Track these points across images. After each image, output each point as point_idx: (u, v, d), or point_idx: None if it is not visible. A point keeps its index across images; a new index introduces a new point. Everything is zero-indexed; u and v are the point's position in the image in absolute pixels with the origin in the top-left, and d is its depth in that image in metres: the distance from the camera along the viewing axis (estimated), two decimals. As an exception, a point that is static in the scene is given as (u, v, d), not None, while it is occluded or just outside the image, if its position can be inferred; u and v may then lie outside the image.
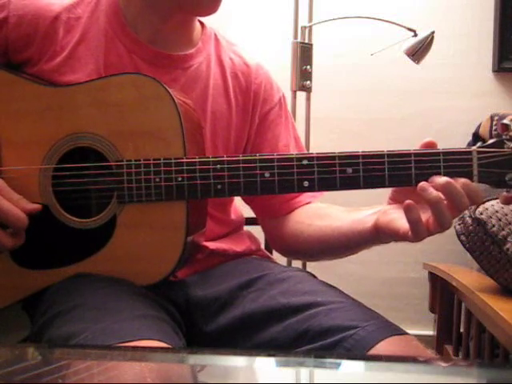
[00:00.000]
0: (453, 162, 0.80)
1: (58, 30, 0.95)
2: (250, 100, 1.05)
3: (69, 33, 0.96)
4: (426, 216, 0.79)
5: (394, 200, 0.86)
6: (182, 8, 0.97)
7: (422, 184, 0.79)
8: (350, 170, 0.83)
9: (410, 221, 0.78)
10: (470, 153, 0.80)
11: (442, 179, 0.78)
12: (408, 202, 0.78)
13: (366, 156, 0.82)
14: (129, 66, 0.96)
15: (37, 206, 0.89)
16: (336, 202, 1.02)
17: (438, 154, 0.81)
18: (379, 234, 0.86)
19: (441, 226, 0.78)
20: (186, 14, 1.00)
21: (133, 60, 0.97)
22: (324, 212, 1.02)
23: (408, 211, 0.78)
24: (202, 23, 1.07)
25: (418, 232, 0.78)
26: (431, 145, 0.82)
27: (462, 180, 0.79)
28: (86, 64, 0.95)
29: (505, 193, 0.81)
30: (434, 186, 0.78)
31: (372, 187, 0.83)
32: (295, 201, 1.05)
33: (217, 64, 1.04)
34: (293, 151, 1.07)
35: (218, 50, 1.06)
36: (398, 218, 0.81)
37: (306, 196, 1.05)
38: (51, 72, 0.94)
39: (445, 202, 0.78)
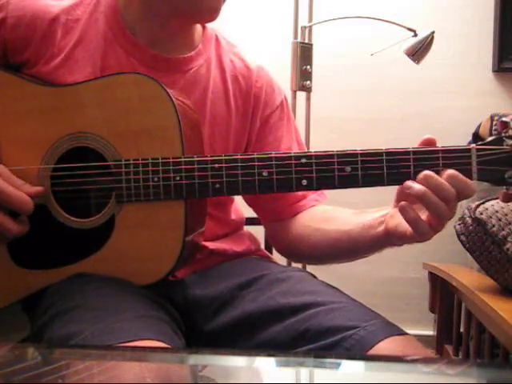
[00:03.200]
0: (452, 160, 0.80)
1: (56, 31, 0.95)
2: (251, 104, 1.04)
3: (67, 34, 0.96)
4: (426, 214, 0.80)
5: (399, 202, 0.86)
6: (180, 14, 0.96)
7: (406, 182, 0.80)
8: (348, 169, 0.83)
9: (408, 221, 0.79)
10: (469, 150, 0.80)
11: (421, 174, 0.79)
12: (401, 203, 0.79)
13: (364, 154, 0.82)
14: (127, 69, 0.96)
15: (40, 189, 0.89)
16: (336, 201, 1.02)
17: (436, 151, 0.81)
18: (391, 239, 0.86)
19: (438, 218, 0.78)
20: (185, 20, 0.99)
21: (131, 63, 0.97)
22: (330, 215, 1.01)
23: (403, 212, 0.79)
24: (202, 25, 1.06)
25: (419, 230, 0.79)
26: (430, 142, 0.82)
27: (448, 171, 0.79)
28: (83, 66, 0.95)
29: (504, 190, 0.81)
30: (418, 182, 0.79)
31: (371, 185, 0.83)
32: (300, 204, 1.04)
33: (217, 66, 1.04)
34: None
35: (218, 52, 1.05)
36: (404, 222, 0.81)
37: (310, 199, 1.05)
38: (49, 74, 0.94)
39: (430, 193, 0.78)
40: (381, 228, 0.87)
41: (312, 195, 1.05)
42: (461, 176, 0.79)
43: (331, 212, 1.02)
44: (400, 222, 0.82)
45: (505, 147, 0.80)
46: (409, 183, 0.80)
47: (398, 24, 1.96)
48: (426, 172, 0.79)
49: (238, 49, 1.09)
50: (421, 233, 0.79)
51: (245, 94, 1.04)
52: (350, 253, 0.97)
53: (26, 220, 0.89)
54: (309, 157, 0.84)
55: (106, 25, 0.97)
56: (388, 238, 0.86)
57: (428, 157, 0.81)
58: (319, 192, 1.06)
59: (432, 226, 0.79)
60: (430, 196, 0.78)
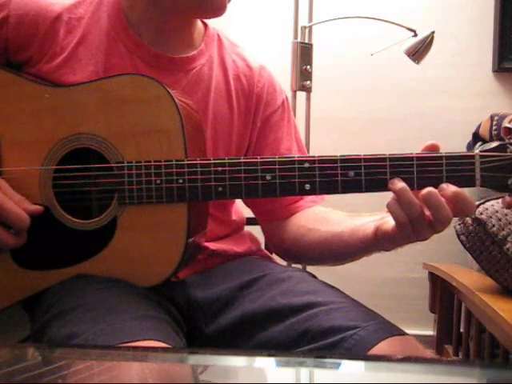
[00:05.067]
0: (455, 166, 0.80)
1: (59, 30, 0.95)
2: (253, 103, 1.04)
3: (70, 33, 0.96)
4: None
5: None
6: (185, 10, 0.96)
7: (393, 179, 0.79)
8: (351, 174, 0.82)
9: (389, 209, 0.79)
10: (472, 157, 0.80)
11: (424, 190, 0.78)
12: (390, 201, 0.79)
13: (367, 159, 0.82)
14: (130, 67, 0.96)
15: (39, 208, 0.89)
16: (336, 204, 1.02)
17: (440, 157, 0.80)
18: (379, 241, 0.85)
19: (411, 220, 0.78)
20: (191, 16, 0.99)
21: (134, 62, 0.97)
22: (325, 216, 1.01)
23: (388, 202, 0.79)
24: (204, 24, 1.06)
25: (400, 223, 0.78)
26: (434, 147, 0.82)
27: (453, 189, 0.78)
28: (86, 65, 0.95)
29: (507, 197, 0.81)
30: (419, 197, 0.78)
31: (374, 191, 0.83)
32: (296, 205, 1.04)
33: (219, 66, 1.04)
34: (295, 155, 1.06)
35: (220, 52, 1.05)
36: (390, 220, 0.81)
37: (306, 200, 1.05)
38: (51, 73, 0.94)
39: (407, 193, 0.77)
40: (369, 231, 0.86)
41: (309, 196, 1.05)
42: (465, 195, 0.78)
43: (326, 213, 1.02)
44: (387, 221, 0.82)
45: (508, 154, 0.79)
46: (394, 179, 0.79)
47: (398, 24, 1.96)
48: (430, 189, 0.77)
49: (240, 48, 1.09)
50: (401, 226, 0.78)
51: (247, 93, 1.04)
52: (341, 254, 0.96)
53: (24, 232, 0.88)
54: (312, 161, 0.84)
55: (109, 24, 0.97)
56: (376, 241, 0.85)
57: (431, 163, 0.80)
58: None
59: (412, 227, 0.79)
60: (405, 195, 0.77)
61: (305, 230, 1.01)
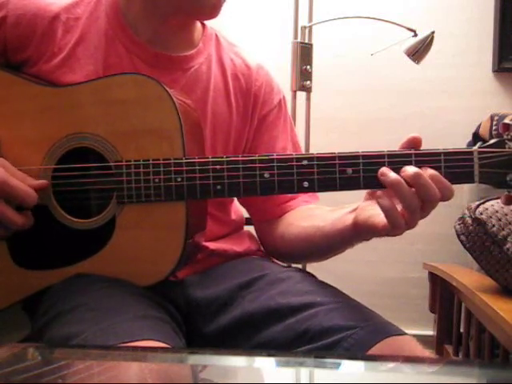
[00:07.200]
0: (454, 163, 0.80)
1: (57, 30, 0.95)
2: (250, 102, 1.05)
3: (68, 33, 0.96)
4: (399, 207, 0.78)
5: (372, 195, 0.85)
6: (182, 11, 0.97)
7: (383, 169, 0.79)
8: (350, 171, 0.82)
9: (382, 208, 0.78)
10: (471, 153, 0.80)
11: (410, 169, 0.78)
12: (379, 192, 0.79)
13: (366, 156, 0.82)
14: (128, 67, 0.96)
15: (44, 182, 0.89)
16: (334, 202, 1.02)
17: (438, 154, 0.81)
18: (359, 232, 0.85)
19: (410, 212, 0.77)
20: (187, 17, 1.00)
21: (132, 61, 0.97)
22: (311, 213, 1.01)
23: (380, 198, 0.78)
24: (202, 23, 1.07)
25: (393, 220, 0.77)
26: (415, 140, 0.82)
27: (430, 171, 0.78)
28: (85, 65, 0.95)
29: (506, 193, 0.81)
30: (404, 176, 0.78)
31: (372, 187, 0.83)
32: (288, 204, 1.05)
33: (217, 65, 1.04)
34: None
35: (218, 51, 1.06)
36: (376, 214, 0.80)
37: (299, 200, 1.05)
38: (50, 72, 0.94)
39: (405, 185, 0.77)
40: (349, 222, 0.86)
41: (303, 196, 1.05)
42: (442, 178, 0.78)
43: (312, 210, 1.03)
44: (372, 214, 0.81)
45: (507, 150, 0.80)
46: (384, 170, 0.79)
47: (398, 24, 1.96)
48: (416, 170, 0.78)
49: (238, 48, 1.09)
50: (394, 224, 0.77)
51: (245, 92, 1.05)
52: (325, 249, 0.96)
53: (30, 214, 0.89)
54: (310, 159, 0.84)
55: (107, 23, 0.98)
56: (356, 232, 0.85)
57: (430, 159, 0.80)
58: (311, 193, 1.06)
59: (405, 219, 0.78)
60: (404, 187, 0.77)
61: (291, 228, 1.01)
